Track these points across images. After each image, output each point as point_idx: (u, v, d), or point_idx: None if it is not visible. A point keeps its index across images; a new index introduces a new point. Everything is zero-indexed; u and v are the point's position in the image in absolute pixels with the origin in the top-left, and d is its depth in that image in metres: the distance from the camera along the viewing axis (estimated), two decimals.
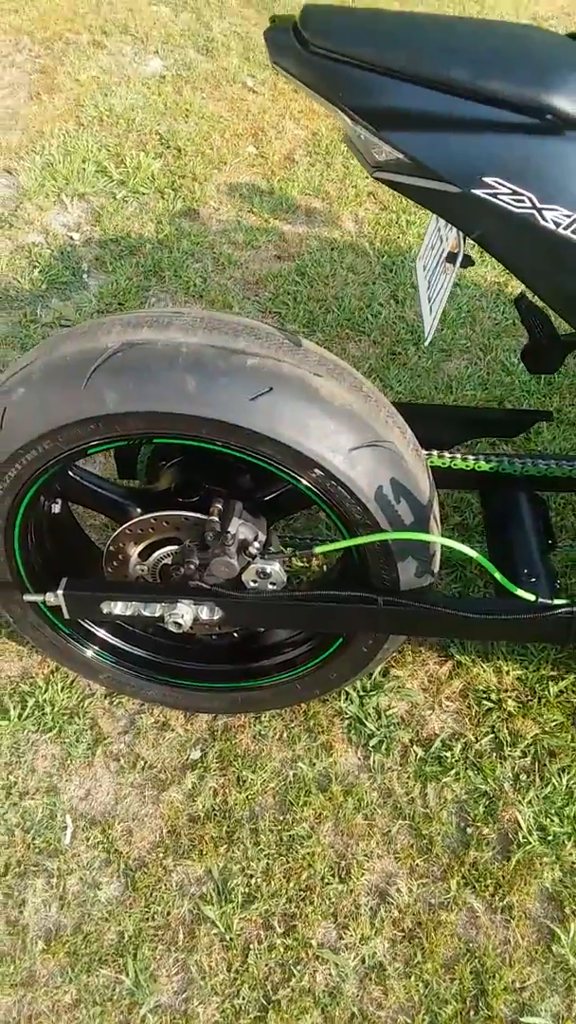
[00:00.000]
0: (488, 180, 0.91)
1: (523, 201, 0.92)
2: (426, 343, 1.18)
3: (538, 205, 0.92)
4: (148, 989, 1.36)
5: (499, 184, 0.91)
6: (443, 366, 2.35)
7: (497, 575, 1.22)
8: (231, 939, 1.41)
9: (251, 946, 1.41)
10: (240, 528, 1.29)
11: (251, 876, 1.48)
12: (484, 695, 1.71)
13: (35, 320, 2.43)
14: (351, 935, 1.42)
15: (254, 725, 1.66)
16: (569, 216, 0.92)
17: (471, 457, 1.49)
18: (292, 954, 1.40)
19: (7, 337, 2.37)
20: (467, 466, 1.49)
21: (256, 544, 1.30)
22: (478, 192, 0.93)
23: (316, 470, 1.19)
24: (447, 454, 1.49)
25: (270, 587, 1.33)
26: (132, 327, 1.18)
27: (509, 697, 1.70)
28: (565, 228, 0.93)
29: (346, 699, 1.68)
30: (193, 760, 1.61)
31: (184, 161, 2.95)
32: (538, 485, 1.50)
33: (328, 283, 2.57)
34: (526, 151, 0.91)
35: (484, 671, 1.74)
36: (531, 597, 1.27)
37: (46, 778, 1.59)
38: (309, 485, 1.22)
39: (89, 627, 1.55)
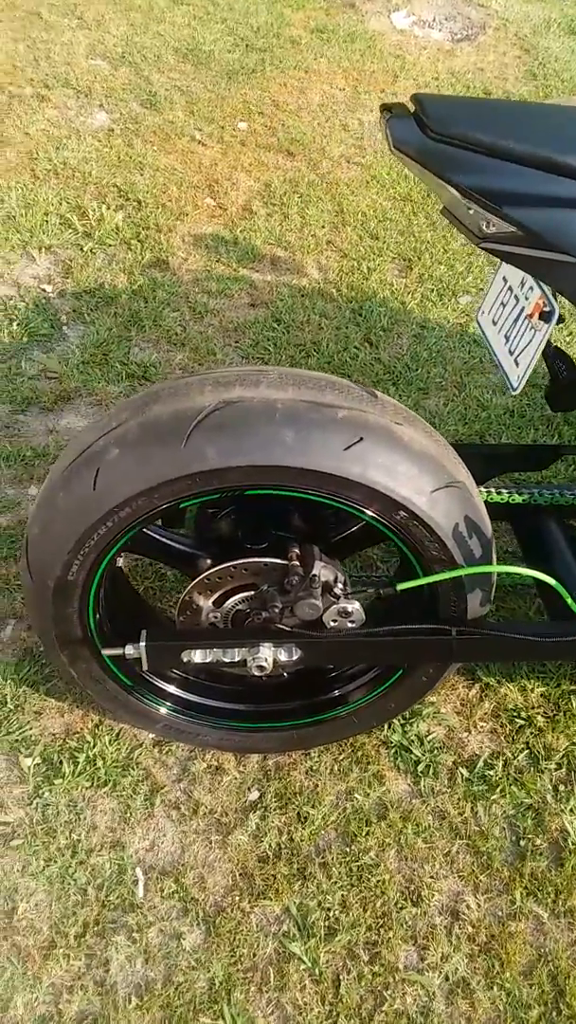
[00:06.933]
0: None
1: None
2: (516, 392, 1.29)
3: None
4: None
5: None
6: (423, 403, 2.49)
7: (569, 600, 1.32)
8: (320, 973, 1.45)
9: (340, 977, 1.45)
10: (322, 570, 1.35)
11: (329, 909, 1.52)
12: (514, 713, 1.81)
13: (20, 373, 2.42)
14: (432, 955, 1.48)
15: (304, 761, 1.70)
16: None
17: (504, 491, 1.61)
18: (380, 980, 1.45)
19: None
20: (502, 499, 1.60)
21: (339, 585, 1.36)
22: None
23: (402, 512, 1.27)
24: (482, 489, 1.60)
25: (349, 625, 1.39)
26: (223, 386, 1.24)
27: (537, 713, 1.81)
28: None
29: (389, 728, 1.75)
30: (252, 801, 1.64)
31: (145, 213, 3.01)
32: (567, 513, 1.63)
33: (304, 329, 2.67)
34: None
35: (511, 691, 1.85)
36: None
37: (109, 833, 1.58)
38: (389, 525, 1.30)
39: (152, 679, 1.56)
